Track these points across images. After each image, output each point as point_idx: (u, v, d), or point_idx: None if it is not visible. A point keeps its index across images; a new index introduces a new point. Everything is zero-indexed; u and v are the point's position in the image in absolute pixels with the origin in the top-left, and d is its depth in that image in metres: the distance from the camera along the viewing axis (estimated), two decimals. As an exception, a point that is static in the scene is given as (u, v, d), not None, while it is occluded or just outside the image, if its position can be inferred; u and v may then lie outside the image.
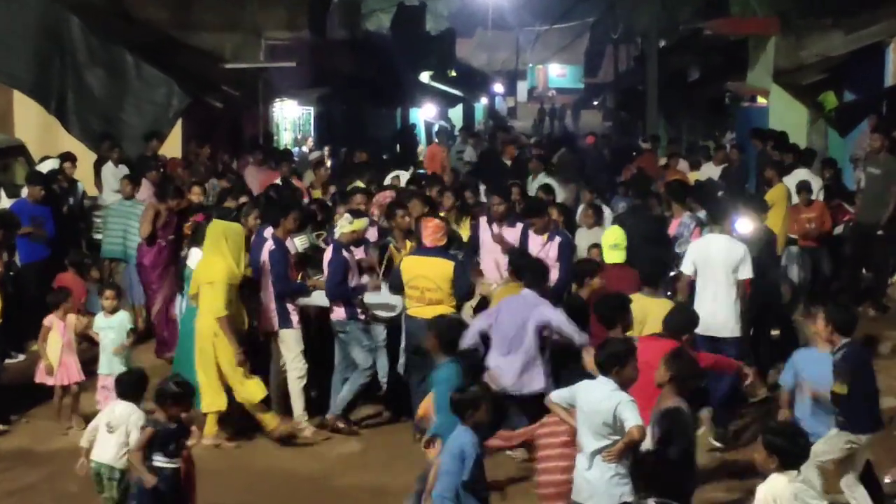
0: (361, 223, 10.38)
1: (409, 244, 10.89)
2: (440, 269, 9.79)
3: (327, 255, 10.30)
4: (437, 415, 7.74)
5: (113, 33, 17.49)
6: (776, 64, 20.29)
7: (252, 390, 9.80)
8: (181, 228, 12.46)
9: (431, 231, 10.02)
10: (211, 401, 9.83)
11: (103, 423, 7.87)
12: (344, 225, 10.26)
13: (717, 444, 9.69)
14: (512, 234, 11.11)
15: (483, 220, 11.41)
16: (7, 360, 11.90)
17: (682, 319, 8.44)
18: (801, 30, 19.97)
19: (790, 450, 5.96)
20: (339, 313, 10.14)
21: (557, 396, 7.24)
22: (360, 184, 14.36)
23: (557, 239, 10.86)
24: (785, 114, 19.64)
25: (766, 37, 20.91)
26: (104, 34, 16.97)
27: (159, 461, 7.24)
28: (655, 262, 9.89)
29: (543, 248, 10.73)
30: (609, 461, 6.79)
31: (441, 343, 8.16)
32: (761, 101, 22.00)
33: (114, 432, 7.75)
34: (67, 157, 15.07)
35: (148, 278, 12.42)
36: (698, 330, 9.20)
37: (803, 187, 13.54)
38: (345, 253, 10.14)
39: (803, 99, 19.73)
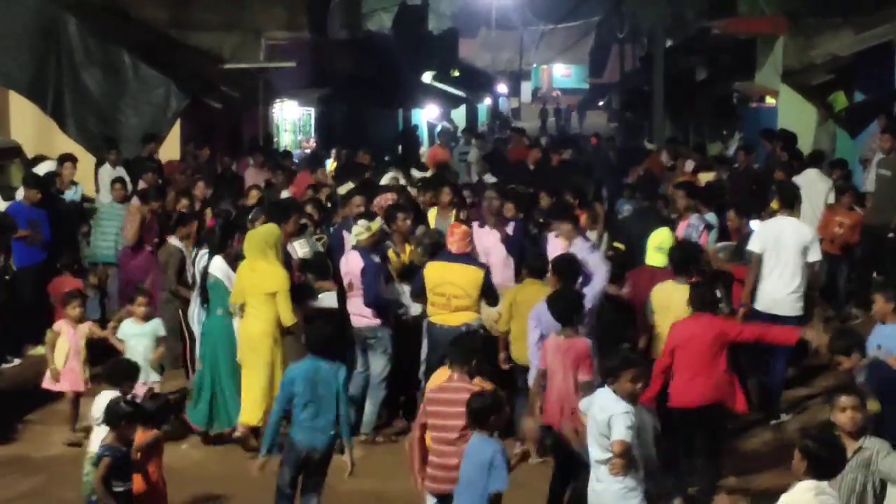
0: (377, 224, 10.34)
1: (408, 248, 10.77)
2: (470, 277, 9.71)
3: (356, 262, 10.15)
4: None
5: (110, 33, 17.37)
6: (785, 64, 20.11)
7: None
8: (163, 232, 12.35)
9: (459, 237, 9.94)
10: (251, 414, 9.68)
11: (93, 416, 7.92)
12: (362, 231, 10.19)
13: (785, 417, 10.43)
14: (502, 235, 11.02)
15: (476, 224, 11.23)
16: (3, 365, 11.77)
17: (705, 294, 8.67)
18: (809, 29, 19.80)
19: (823, 458, 5.71)
20: (369, 319, 10.04)
21: (582, 405, 7.23)
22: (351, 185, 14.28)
23: (579, 242, 10.66)
24: (794, 114, 19.41)
25: (774, 36, 20.71)
26: (101, 34, 16.82)
27: (117, 487, 7.06)
28: (686, 252, 9.81)
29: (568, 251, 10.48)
30: (613, 475, 6.71)
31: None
32: (770, 101, 21.78)
33: (102, 424, 7.68)
34: (67, 159, 14.81)
35: (131, 283, 12.11)
36: (762, 308, 10.29)
37: (850, 188, 13.34)
38: (375, 258, 10.14)
39: (812, 99, 19.51)
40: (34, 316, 12.81)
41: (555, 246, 10.58)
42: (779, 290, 10.34)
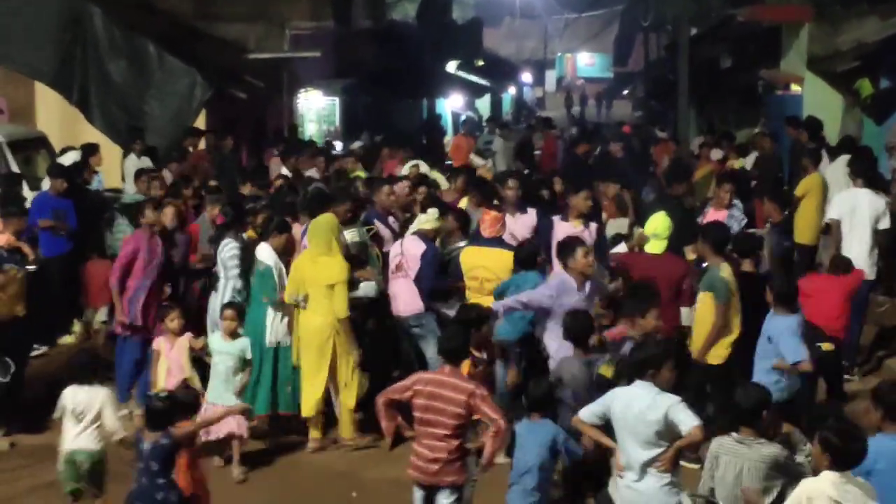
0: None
1: (438, 241, 10.81)
2: (500, 260, 9.82)
3: (414, 245, 10.26)
4: None
5: (135, 24, 17.37)
6: (810, 51, 19.93)
7: (353, 394, 9.74)
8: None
9: (490, 222, 10.10)
10: (315, 405, 9.72)
11: (68, 411, 7.82)
12: (430, 220, 10.39)
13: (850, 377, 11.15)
14: (527, 221, 11.12)
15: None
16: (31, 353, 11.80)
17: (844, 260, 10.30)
18: (835, 16, 19.60)
19: (842, 450, 5.71)
20: (415, 307, 10.07)
21: (588, 414, 6.94)
22: (360, 173, 14.33)
23: (593, 225, 10.89)
24: (819, 102, 19.26)
25: (799, 23, 20.54)
26: (127, 25, 16.84)
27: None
28: (720, 229, 10.02)
29: (580, 235, 10.50)
30: (662, 469, 6.61)
31: None
32: (795, 88, 21.61)
33: (83, 419, 7.73)
34: (91, 149, 14.90)
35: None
36: None
37: None
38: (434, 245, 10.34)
39: (838, 86, 19.33)
40: (62, 306, 12.94)
41: (562, 230, 10.65)
42: (856, 256, 11.10)
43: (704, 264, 9.67)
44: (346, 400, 9.72)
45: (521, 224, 11.04)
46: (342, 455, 9.81)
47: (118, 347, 10.74)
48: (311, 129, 26.27)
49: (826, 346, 9.35)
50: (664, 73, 32.19)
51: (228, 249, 10.44)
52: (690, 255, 10.57)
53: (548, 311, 8.86)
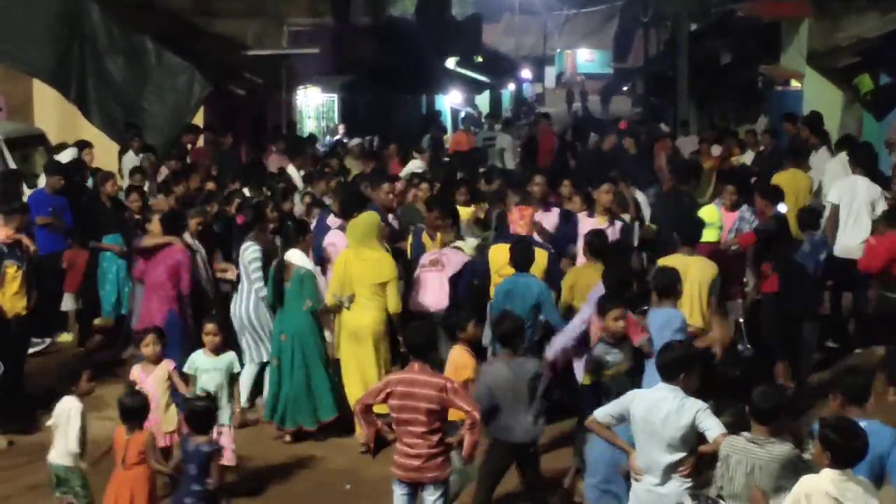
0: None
1: (439, 236, 10.84)
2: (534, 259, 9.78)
3: (460, 256, 10.31)
4: None
5: (134, 20, 17.31)
6: (810, 47, 19.94)
7: None
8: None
9: (526, 220, 10.14)
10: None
11: (56, 422, 7.80)
12: (469, 247, 10.51)
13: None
14: (549, 219, 11.07)
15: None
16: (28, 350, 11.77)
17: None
18: (835, 11, 19.61)
19: (843, 447, 5.66)
20: (443, 302, 10.15)
21: (603, 415, 6.80)
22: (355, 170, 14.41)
23: (618, 224, 10.93)
24: (819, 97, 19.26)
25: (799, 19, 20.54)
26: (125, 21, 16.79)
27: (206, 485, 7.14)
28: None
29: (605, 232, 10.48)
30: (686, 474, 6.55)
31: None
32: (795, 84, 21.60)
33: (57, 431, 7.69)
34: (84, 145, 14.89)
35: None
36: (841, 253, 11.67)
37: None
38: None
39: (838, 82, 19.33)
40: (58, 304, 12.90)
41: (587, 225, 10.60)
42: (853, 239, 11.67)
43: None
44: None
45: (545, 222, 10.98)
46: (342, 454, 9.82)
47: None
48: (309, 125, 26.23)
49: None
50: (664, 70, 32.17)
51: (250, 253, 10.30)
52: None
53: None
